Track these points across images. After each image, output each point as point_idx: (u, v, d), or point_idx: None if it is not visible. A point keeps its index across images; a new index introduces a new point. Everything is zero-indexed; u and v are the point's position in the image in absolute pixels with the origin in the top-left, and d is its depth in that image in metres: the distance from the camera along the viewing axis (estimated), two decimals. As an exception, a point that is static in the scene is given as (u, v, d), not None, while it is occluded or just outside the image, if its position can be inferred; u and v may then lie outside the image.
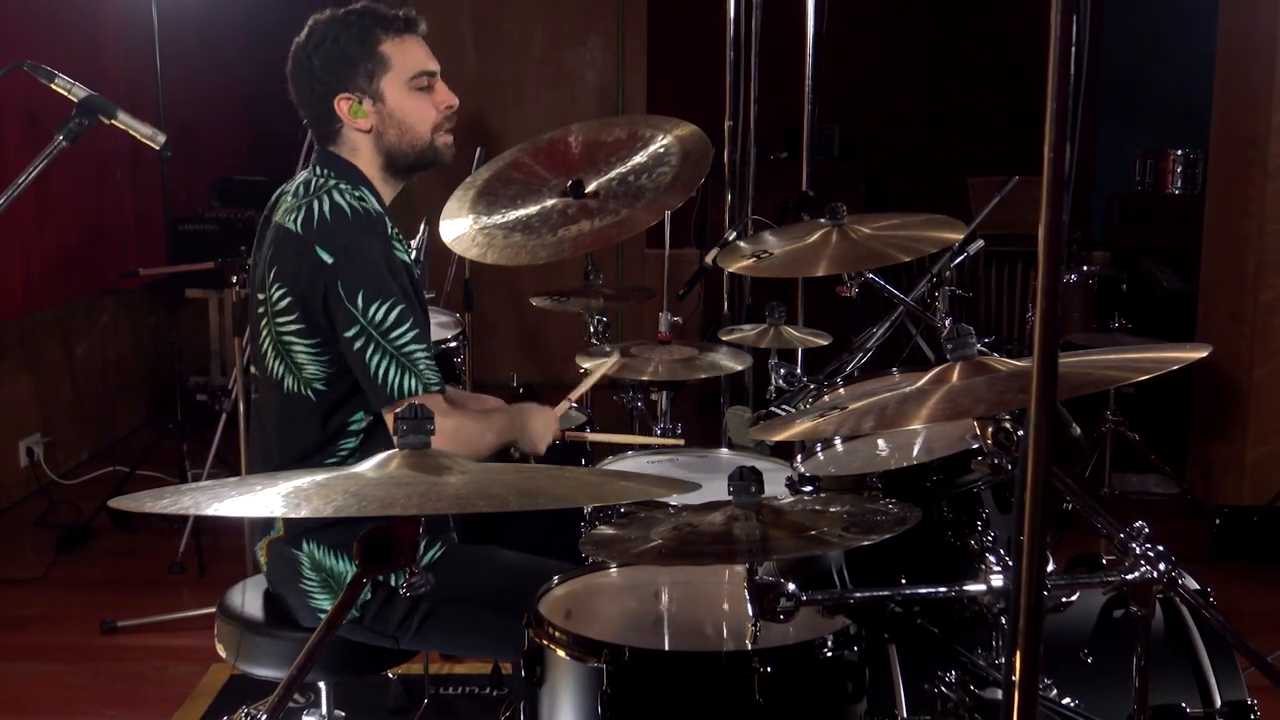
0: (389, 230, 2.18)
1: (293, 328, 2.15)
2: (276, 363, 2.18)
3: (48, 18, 4.78)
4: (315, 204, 2.15)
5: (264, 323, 2.19)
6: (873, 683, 1.70)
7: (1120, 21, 6.26)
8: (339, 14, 2.23)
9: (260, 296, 2.19)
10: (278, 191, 2.30)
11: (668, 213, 2.65)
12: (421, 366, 2.12)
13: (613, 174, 2.61)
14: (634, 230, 2.54)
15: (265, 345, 2.19)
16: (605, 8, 6.67)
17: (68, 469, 5.12)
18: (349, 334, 2.11)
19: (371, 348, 2.10)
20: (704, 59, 4.97)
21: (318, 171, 2.24)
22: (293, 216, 2.16)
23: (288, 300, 2.14)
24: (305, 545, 2.21)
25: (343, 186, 2.19)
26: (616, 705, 1.61)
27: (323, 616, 2.19)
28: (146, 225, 5.51)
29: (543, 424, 2.32)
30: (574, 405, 2.95)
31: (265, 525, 2.27)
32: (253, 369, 2.30)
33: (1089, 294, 5.18)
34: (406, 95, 2.24)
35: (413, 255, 2.28)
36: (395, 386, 2.10)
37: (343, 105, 2.22)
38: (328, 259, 2.11)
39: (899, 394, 1.64)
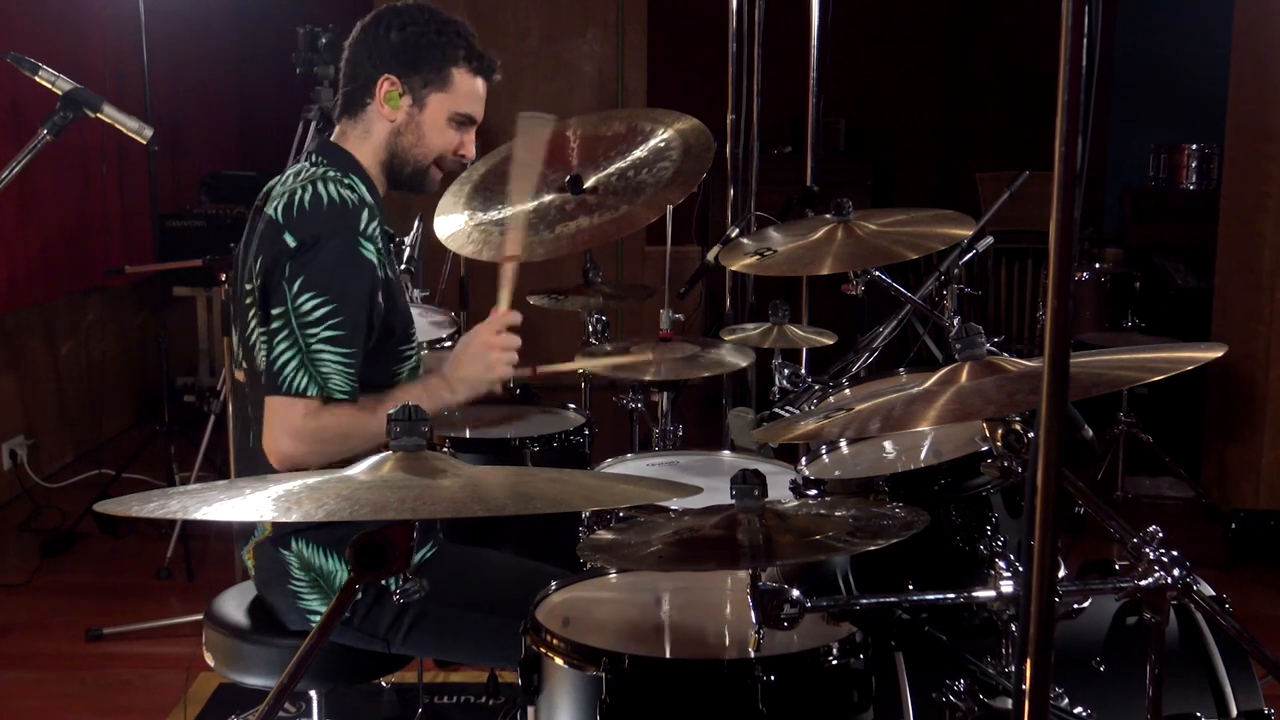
0: (363, 224, 2.15)
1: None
2: (263, 356, 2.19)
3: (31, 8, 4.78)
4: (299, 192, 2.16)
5: (252, 314, 2.19)
6: (879, 692, 1.70)
7: (1133, 12, 6.26)
8: (441, 13, 2.28)
9: (248, 287, 2.20)
10: (270, 183, 2.31)
11: (669, 209, 2.65)
12: (327, 370, 2.09)
13: (612, 169, 2.61)
14: (634, 227, 2.54)
15: (254, 338, 2.20)
16: (604, -2, 6.67)
17: (52, 472, 5.12)
18: (275, 311, 2.12)
19: (284, 333, 2.10)
20: (706, 51, 4.97)
21: (313, 160, 2.26)
22: (275, 205, 2.18)
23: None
24: (294, 544, 2.21)
25: (332, 174, 2.19)
26: (616, 715, 1.61)
27: (312, 618, 2.20)
28: (133, 221, 5.51)
29: (472, 360, 2.24)
30: (572, 406, 2.95)
31: (251, 527, 2.27)
32: (243, 363, 2.29)
33: (1101, 292, 5.18)
34: (441, 120, 2.28)
35: (410, 253, 2.28)
36: (288, 379, 2.09)
37: (384, 85, 2.25)
38: (291, 243, 2.12)
39: (906, 395, 1.64)
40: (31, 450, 5.01)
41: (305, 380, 2.09)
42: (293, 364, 2.09)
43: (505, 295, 2.29)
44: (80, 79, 2.21)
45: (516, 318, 2.30)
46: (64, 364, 5.34)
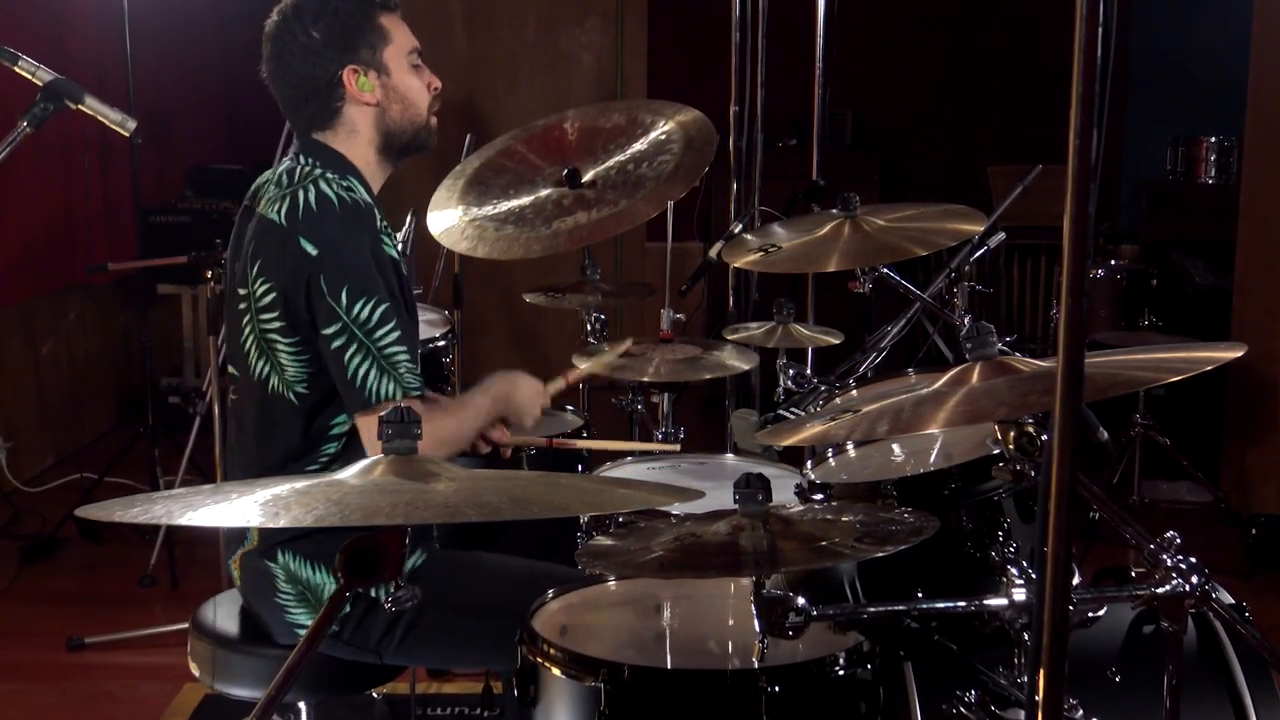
0: (378, 223, 2.19)
1: (276, 325, 2.16)
2: (260, 362, 2.19)
3: (11, -3, 4.78)
4: (301, 193, 2.16)
5: (247, 319, 2.19)
6: (887, 703, 1.70)
7: (1149, 0, 6.25)
8: None
9: (243, 291, 2.19)
10: (258, 181, 2.30)
11: (670, 204, 2.65)
12: (402, 370, 2.13)
13: (611, 163, 2.60)
14: (634, 222, 2.54)
15: (248, 344, 2.20)
16: (603, -14, 6.67)
17: (32, 475, 5.12)
18: (329, 331, 2.11)
19: (353, 347, 2.10)
20: (708, 40, 4.97)
21: (302, 160, 2.24)
22: (276, 207, 2.16)
23: (271, 295, 2.15)
24: (280, 556, 2.21)
25: (329, 175, 2.19)
26: (615, 727, 1.61)
27: (300, 633, 2.20)
28: (116, 217, 5.51)
29: (529, 393, 2.34)
30: (570, 408, 2.95)
31: (239, 536, 2.27)
32: (230, 369, 2.30)
33: (1117, 290, 5.19)
34: (406, 71, 2.29)
35: (402, 249, 2.29)
36: (373, 390, 2.11)
37: (351, 77, 2.23)
38: (312, 251, 2.11)
39: (915, 396, 1.64)
40: (11, 453, 5.00)
41: (391, 384, 2.12)
42: (373, 374, 2.11)
43: (555, 386, 2.43)
44: (61, 69, 2.20)
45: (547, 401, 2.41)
46: (44, 364, 5.34)
